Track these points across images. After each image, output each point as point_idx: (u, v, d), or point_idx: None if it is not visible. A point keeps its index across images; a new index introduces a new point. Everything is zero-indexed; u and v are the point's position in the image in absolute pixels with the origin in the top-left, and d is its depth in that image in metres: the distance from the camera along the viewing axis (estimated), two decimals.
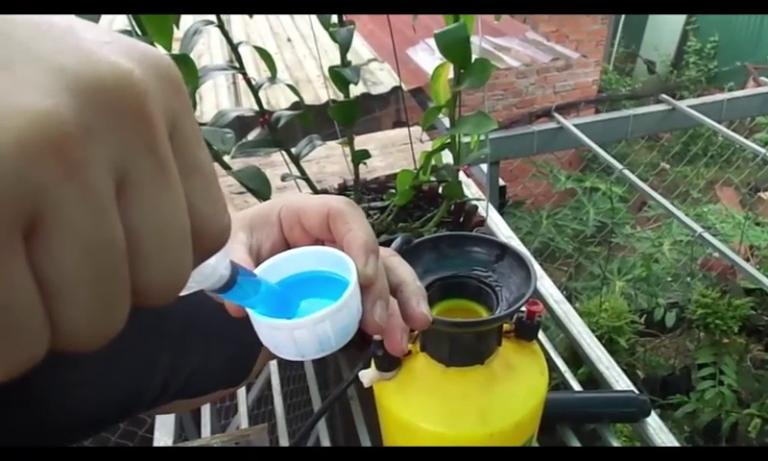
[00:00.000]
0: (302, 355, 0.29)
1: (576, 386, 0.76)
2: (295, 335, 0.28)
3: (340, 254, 0.31)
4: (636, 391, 0.70)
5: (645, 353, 1.90)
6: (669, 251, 2.24)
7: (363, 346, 0.59)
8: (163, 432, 0.73)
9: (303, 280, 0.32)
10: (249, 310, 0.29)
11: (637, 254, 2.30)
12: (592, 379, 0.78)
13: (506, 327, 0.49)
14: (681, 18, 6.77)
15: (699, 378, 1.67)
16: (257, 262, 0.33)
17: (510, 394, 0.46)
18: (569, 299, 2.17)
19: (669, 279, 2.22)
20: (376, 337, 0.42)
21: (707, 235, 1.05)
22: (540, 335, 0.83)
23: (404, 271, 0.36)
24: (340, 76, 0.71)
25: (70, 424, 0.40)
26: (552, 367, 0.79)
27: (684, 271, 2.13)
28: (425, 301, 0.35)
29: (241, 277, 0.27)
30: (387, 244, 0.44)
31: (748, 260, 2.27)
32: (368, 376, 0.47)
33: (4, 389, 0.34)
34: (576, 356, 0.83)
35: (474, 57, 0.65)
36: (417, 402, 0.46)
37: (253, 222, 0.36)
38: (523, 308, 0.47)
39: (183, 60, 0.62)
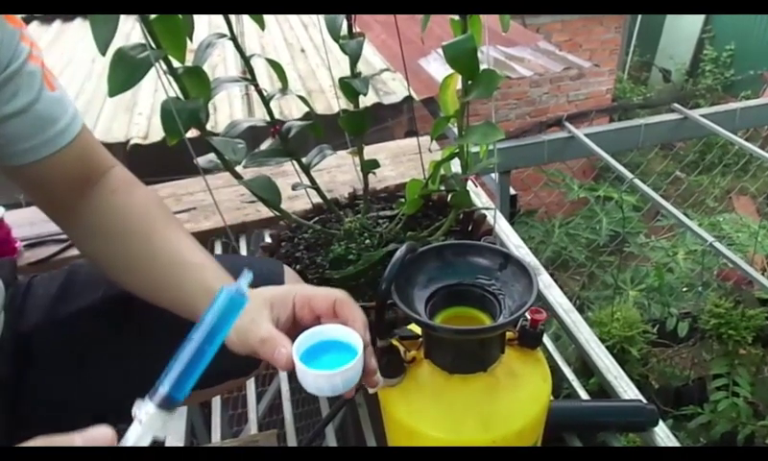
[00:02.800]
0: (320, 393, 0.45)
1: (584, 396, 0.75)
2: (317, 381, 0.44)
3: (348, 329, 0.47)
4: (645, 400, 0.70)
5: (658, 364, 1.88)
6: (683, 260, 2.21)
7: None
8: (175, 438, 0.75)
9: (328, 343, 0.48)
10: (295, 359, 0.44)
11: (651, 264, 2.27)
12: (603, 390, 0.78)
13: (510, 335, 0.49)
14: (696, 26, 6.71)
15: (713, 389, 1.65)
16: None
17: (512, 401, 0.46)
18: (582, 308, 2.16)
19: (684, 288, 2.19)
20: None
21: (718, 245, 1.04)
22: (550, 345, 0.83)
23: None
24: (350, 87, 0.72)
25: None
26: (561, 377, 0.78)
27: (699, 281, 2.11)
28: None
29: None
30: (392, 253, 0.46)
31: (764, 271, 2.24)
32: None
33: (20, 409, 0.34)
34: (586, 367, 0.83)
35: (484, 67, 0.65)
36: (420, 409, 0.46)
37: (274, 301, 0.50)
38: (528, 316, 0.48)
39: (195, 73, 0.63)
